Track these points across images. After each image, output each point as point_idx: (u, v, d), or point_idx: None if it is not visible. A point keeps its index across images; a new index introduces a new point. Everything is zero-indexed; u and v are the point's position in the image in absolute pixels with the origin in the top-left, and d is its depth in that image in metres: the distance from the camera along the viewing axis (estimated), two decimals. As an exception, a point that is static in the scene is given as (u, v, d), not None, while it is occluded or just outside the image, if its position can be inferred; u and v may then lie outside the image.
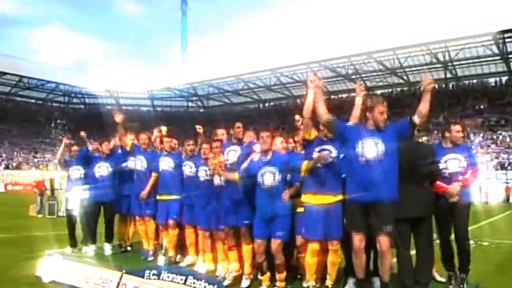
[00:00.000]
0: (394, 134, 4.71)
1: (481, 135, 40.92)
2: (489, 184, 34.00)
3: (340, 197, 5.07)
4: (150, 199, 7.50)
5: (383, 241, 4.61)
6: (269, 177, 5.29)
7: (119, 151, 8.04)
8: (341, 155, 5.10)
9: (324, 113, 4.75)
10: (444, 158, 5.41)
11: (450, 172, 5.40)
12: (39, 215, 18.81)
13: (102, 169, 8.02)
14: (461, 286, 5.41)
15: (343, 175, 5.04)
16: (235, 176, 5.50)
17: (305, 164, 5.13)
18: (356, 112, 5.26)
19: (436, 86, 49.98)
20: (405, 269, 4.94)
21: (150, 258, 7.42)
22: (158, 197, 7.37)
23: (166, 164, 7.26)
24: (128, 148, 7.67)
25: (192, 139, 7.16)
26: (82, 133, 8.62)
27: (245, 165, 5.48)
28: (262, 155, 5.37)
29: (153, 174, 7.52)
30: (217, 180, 6.07)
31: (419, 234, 5.15)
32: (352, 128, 4.92)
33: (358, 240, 4.68)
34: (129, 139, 7.76)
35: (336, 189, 5.06)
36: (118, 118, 7.49)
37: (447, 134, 5.58)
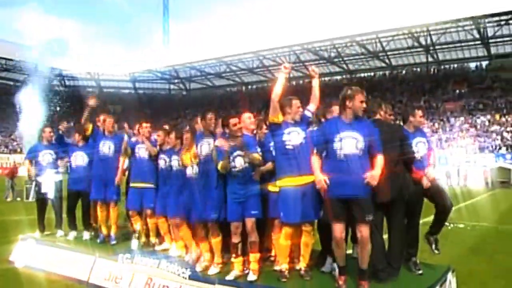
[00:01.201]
0: (368, 134, 4.70)
1: (461, 119, 41.38)
2: (468, 168, 34.56)
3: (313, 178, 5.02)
4: (115, 185, 7.46)
5: (364, 230, 4.61)
6: (240, 160, 5.29)
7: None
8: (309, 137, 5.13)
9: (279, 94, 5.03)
10: (414, 142, 5.44)
11: (421, 155, 5.45)
12: (12, 199, 18.59)
13: (78, 159, 7.87)
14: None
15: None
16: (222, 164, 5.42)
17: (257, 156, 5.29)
18: (316, 92, 5.44)
19: (418, 69, 50.53)
20: (377, 253, 4.95)
21: (113, 242, 7.34)
22: (132, 184, 7.27)
23: (143, 151, 7.16)
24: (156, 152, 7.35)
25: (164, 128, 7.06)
26: (62, 127, 8.33)
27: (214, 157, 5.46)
28: (232, 140, 5.31)
29: (121, 159, 7.46)
30: (189, 172, 6.01)
31: (391, 218, 5.16)
32: (329, 122, 4.92)
33: (339, 230, 4.67)
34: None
35: (309, 170, 4.98)
36: (92, 102, 7.33)
37: (411, 119, 5.61)
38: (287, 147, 5.10)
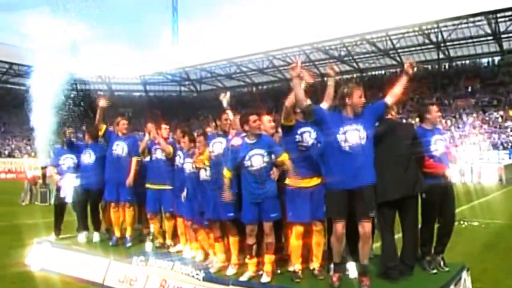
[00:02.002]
0: (371, 118, 4.77)
1: (474, 115, 41.01)
2: (481, 165, 34.26)
3: (322, 179, 5.04)
4: (127, 185, 7.45)
5: (367, 226, 4.64)
6: (257, 159, 5.19)
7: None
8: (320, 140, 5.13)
9: (302, 100, 4.75)
10: (433, 140, 5.41)
11: (440, 153, 5.42)
12: (28, 203, 18.81)
13: (86, 157, 7.94)
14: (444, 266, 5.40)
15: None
16: (225, 174, 5.38)
17: (284, 156, 5.11)
18: (330, 92, 5.33)
19: (429, 67, 50.10)
20: (388, 252, 4.94)
21: (128, 244, 7.34)
22: (149, 186, 7.30)
23: (159, 153, 7.21)
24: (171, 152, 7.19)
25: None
26: (68, 133, 8.41)
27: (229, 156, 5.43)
28: (249, 138, 5.29)
29: (134, 159, 7.49)
30: (203, 175, 6.02)
31: (404, 216, 5.14)
32: (331, 114, 4.89)
33: (341, 226, 4.70)
34: (164, 129, 7.52)
35: (319, 171, 5.03)
36: (102, 102, 7.39)
37: (428, 116, 5.58)
38: (299, 147, 5.13)
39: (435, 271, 5.24)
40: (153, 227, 7.12)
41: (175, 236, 7.14)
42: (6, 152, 52.75)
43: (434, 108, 5.60)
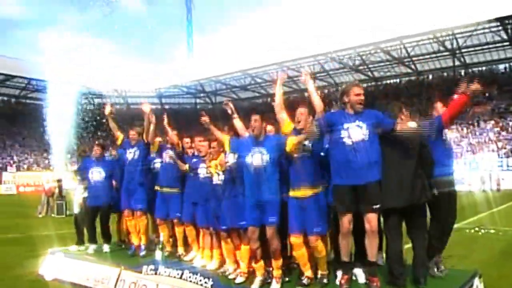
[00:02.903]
0: (374, 119, 4.78)
1: (492, 122, 40.48)
2: (500, 172, 33.71)
3: (317, 190, 5.05)
4: (141, 194, 7.44)
5: (372, 219, 4.66)
6: (257, 157, 5.20)
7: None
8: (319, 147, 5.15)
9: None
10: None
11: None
12: (45, 215, 19.10)
13: (95, 174, 7.99)
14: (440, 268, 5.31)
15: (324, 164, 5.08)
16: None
17: (291, 140, 5.07)
18: (315, 100, 5.13)
19: (445, 74, 49.70)
20: (393, 259, 4.86)
21: (142, 253, 7.32)
22: (157, 189, 7.31)
23: (167, 156, 7.24)
24: (154, 148, 7.44)
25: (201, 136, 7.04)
26: (82, 152, 8.51)
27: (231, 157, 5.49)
28: (254, 137, 5.33)
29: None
30: (215, 179, 6.04)
31: (411, 225, 5.05)
32: (335, 114, 4.99)
33: (346, 220, 4.73)
34: (157, 140, 7.56)
35: (312, 182, 5.03)
36: (107, 110, 7.45)
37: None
38: (292, 159, 5.14)
39: (441, 274, 5.15)
40: (162, 234, 7.14)
41: (186, 244, 7.14)
42: (25, 166, 53.51)
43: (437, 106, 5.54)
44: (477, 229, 11.56)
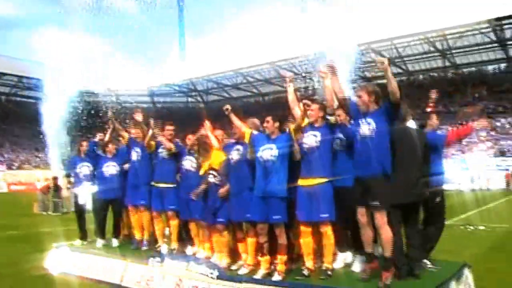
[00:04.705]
0: (382, 115, 4.91)
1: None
2: (489, 171, 34.22)
3: (324, 180, 5.25)
4: (143, 188, 7.62)
5: (380, 218, 4.76)
6: (267, 152, 5.46)
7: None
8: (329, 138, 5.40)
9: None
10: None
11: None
12: (43, 213, 19.20)
13: (110, 169, 8.15)
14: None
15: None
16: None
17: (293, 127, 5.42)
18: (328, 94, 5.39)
19: (436, 74, 50.17)
20: (397, 252, 5.08)
21: (145, 248, 7.50)
22: (154, 184, 7.45)
23: (164, 152, 7.39)
24: (173, 148, 7.37)
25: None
26: (99, 138, 8.63)
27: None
28: (268, 135, 5.60)
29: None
30: (211, 179, 6.25)
31: (409, 221, 5.29)
32: (355, 106, 5.14)
33: (360, 214, 4.90)
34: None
35: (320, 173, 5.25)
36: (139, 117, 7.57)
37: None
38: (303, 149, 5.39)
39: (430, 268, 5.40)
40: (157, 228, 7.35)
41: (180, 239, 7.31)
42: (16, 164, 53.24)
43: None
44: (466, 226, 11.92)
